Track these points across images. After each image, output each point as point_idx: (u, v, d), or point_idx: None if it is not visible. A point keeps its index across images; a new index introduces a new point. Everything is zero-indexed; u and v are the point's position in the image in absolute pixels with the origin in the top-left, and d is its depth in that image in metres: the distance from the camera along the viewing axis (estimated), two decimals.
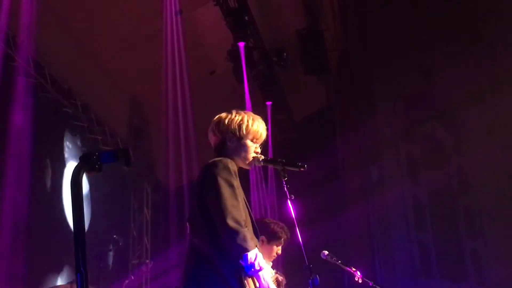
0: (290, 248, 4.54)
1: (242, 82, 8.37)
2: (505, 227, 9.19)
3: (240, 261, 2.69)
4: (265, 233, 4.23)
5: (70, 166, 8.17)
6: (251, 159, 3.12)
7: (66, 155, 8.25)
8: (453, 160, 10.13)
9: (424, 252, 9.74)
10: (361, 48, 10.50)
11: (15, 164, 6.13)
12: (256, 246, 2.80)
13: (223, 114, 3.18)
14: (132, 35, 7.93)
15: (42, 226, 7.13)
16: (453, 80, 9.55)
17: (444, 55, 9.85)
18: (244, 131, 3.10)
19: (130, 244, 9.39)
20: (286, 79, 9.78)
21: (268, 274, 2.77)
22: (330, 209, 9.29)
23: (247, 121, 3.13)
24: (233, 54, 8.32)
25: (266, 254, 4.26)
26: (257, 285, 2.74)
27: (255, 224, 3.03)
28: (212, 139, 3.19)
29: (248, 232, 2.75)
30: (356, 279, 4.76)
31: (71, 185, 1.66)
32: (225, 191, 2.81)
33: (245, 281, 2.73)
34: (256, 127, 3.13)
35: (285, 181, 3.05)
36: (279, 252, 4.45)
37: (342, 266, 4.78)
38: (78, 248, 1.60)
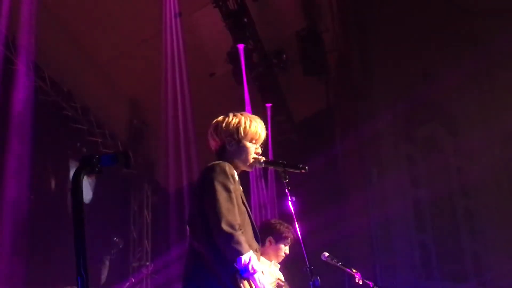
0: (291, 249, 4.57)
1: (241, 84, 8.35)
2: (505, 227, 9.20)
3: (235, 264, 2.71)
4: (272, 234, 4.48)
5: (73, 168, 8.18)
6: (251, 161, 3.09)
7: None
8: (453, 160, 10.13)
9: (425, 253, 9.74)
10: (361, 49, 10.51)
11: (15, 166, 6.13)
12: (256, 249, 2.79)
13: (220, 118, 3.16)
14: (132, 38, 7.94)
15: (42, 226, 7.13)
16: (453, 81, 9.56)
17: (444, 55, 9.87)
18: (242, 133, 3.08)
19: (130, 246, 9.38)
20: (285, 80, 9.77)
21: (264, 277, 2.77)
22: (330, 210, 9.28)
23: (245, 122, 3.10)
24: (233, 56, 8.30)
25: (274, 254, 4.51)
26: (253, 287, 2.75)
27: (256, 227, 3.04)
28: (212, 144, 3.16)
29: (242, 236, 2.76)
30: (357, 281, 4.78)
31: (71, 188, 1.66)
32: (221, 195, 2.82)
33: (241, 284, 2.75)
34: (254, 128, 3.10)
35: (286, 183, 3.03)
36: (287, 252, 4.57)
37: (343, 268, 4.80)
38: (79, 251, 1.59)
